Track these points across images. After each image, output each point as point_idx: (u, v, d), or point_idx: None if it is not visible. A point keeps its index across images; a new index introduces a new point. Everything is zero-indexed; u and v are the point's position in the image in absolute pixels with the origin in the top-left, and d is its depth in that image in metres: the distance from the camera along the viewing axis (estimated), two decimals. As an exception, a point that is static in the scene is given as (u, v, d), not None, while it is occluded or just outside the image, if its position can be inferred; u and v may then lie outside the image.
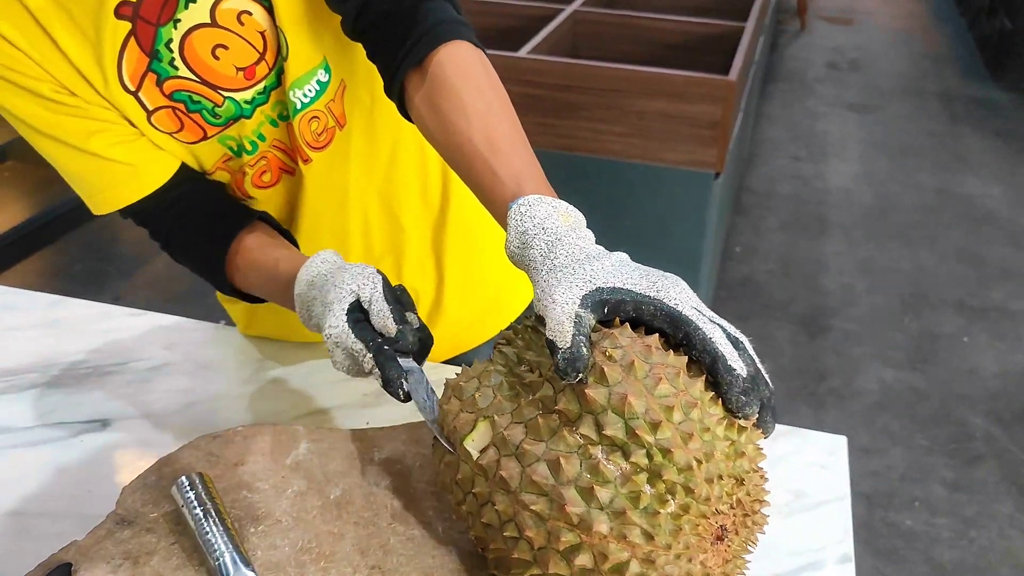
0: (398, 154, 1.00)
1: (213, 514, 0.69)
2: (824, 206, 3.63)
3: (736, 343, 0.59)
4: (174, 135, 0.87)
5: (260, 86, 0.86)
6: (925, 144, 4.18)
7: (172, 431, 0.92)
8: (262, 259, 0.89)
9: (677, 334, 0.59)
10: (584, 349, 0.58)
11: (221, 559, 0.66)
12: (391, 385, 0.70)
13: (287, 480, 0.76)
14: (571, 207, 0.68)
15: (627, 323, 0.61)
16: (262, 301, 0.93)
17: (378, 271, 0.75)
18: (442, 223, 1.06)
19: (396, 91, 0.79)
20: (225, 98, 0.85)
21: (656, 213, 2.34)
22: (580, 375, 0.58)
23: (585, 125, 2.31)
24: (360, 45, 0.85)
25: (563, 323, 0.58)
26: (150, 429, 0.93)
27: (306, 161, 0.92)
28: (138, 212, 0.91)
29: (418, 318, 0.75)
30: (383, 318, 0.71)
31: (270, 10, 0.83)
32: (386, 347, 0.71)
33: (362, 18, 0.80)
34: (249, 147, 0.89)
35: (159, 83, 0.83)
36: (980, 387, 2.62)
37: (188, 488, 0.71)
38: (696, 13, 2.85)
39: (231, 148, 0.90)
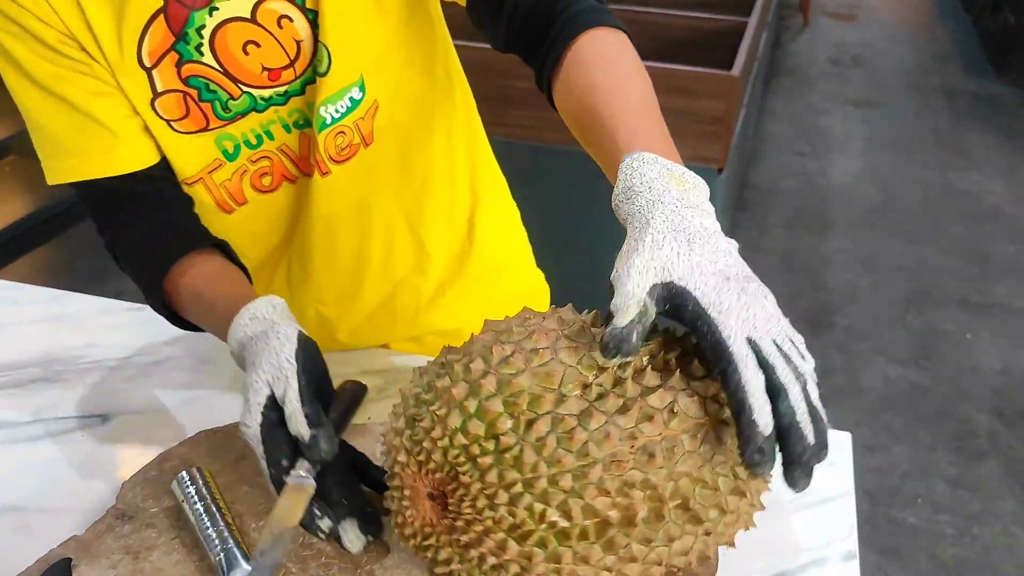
0: (431, 179, 1.00)
1: (214, 509, 0.69)
2: (827, 202, 3.62)
3: (777, 392, 0.54)
4: (173, 122, 0.85)
5: (282, 89, 0.85)
6: (928, 140, 4.17)
7: (173, 426, 0.91)
8: (207, 292, 0.84)
9: (715, 367, 0.55)
10: (635, 339, 0.55)
11: (222, 554, 0.66)
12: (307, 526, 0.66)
13: (288, 475, 0.75)
14: (693, 175, 0.63)
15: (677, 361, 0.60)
16: (196, 329, 0.89)
17: (300, 345, 0.69)
18: (467, 252, 1.07)
19: (544, 85, 0.80)
20: (243, 92, 0.84)
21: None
22: (618, 357, 0.56)
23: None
24: (398, 68, 0.88)
25: (629, 306, 0.55)
26: (151, 424, 0.92)
27: (325, 173, 0.91)
28: (96, 193, 0.87)
29: (335, 416, 0.70)
30: (296, 424, 0.65)
31: (313, 24, 0.82)
32: (291, 469, 0.66)
33: (511, 29, 0.81)
34: (254, 140, 0.88)
35: (178, 64, 0.81)
36: (983, 384, 2.62)
37: (189, 483, 0.71)
38: (699, 8, 2.84)
39: (225, 151, 0.88)
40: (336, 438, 0.66)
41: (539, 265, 1.21)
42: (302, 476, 0.64)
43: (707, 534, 0.59)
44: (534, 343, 0.59)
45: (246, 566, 0.66)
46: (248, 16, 0.80)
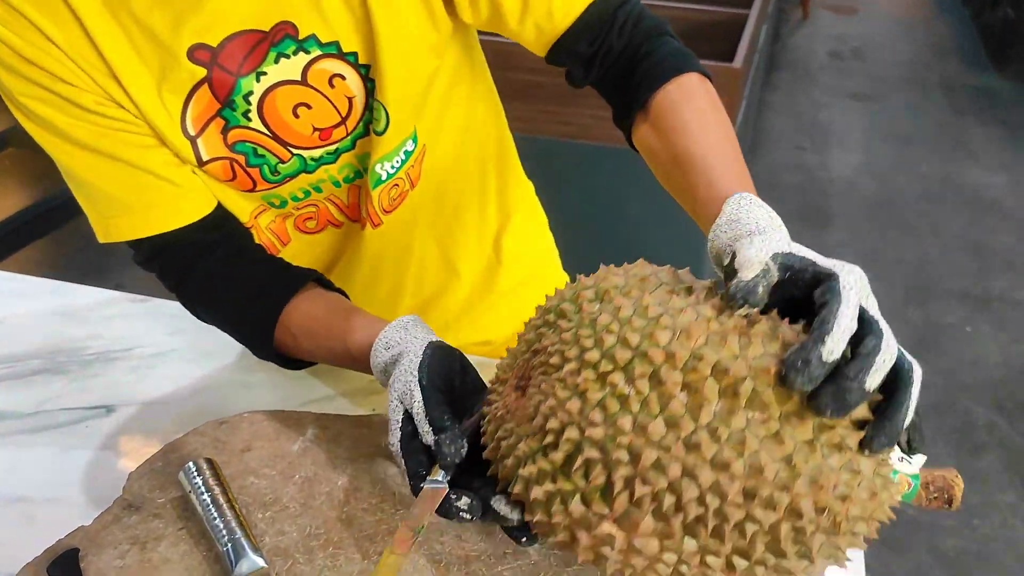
0: (463, 204, 1.00)
1: (221, 500, 0.69)
2: (828, 196, 3.62)
3: (869, 327, 0.51)
4: (221, 182, 0.82)
5: (332, 147, 0.83)
6: (928, 134, 4.17)
7: (177, 417, 0.91)
8: (322, 331, 0.82)
9: (819, 303, 0.53)
10: (761, 291, 0.54)
11: (229, 545, 0.66)
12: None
13: (294, 466, 0.76)
14: (780, 221, 0.65)
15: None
16: (308, 365, 0.88)
17: (426, 356, 0.68)
18: (495, 268, 1.07)
19: (628, 123, 0.83)
20: (293, 155, 0.81)
21: (660, 202, 2.32)
22: (746, 306, 0.54)
23: (588, 112, 2.30)
24: (441, 107, 0.86)
25: (752, 262, 0.55)
26: (155, 415, 0.92)
27: (377, 225, 0.90)
28: (166, 246, 0.82)
29: (464, 420, 0.67)
30: (423, 434, 0.65)
31: (365, 79, 0.79)
32: (427, 476, 0.64)
33: (600, 67, 0.82)
34: (301, 196, 0.86)
35: (224, 130, 0.78)
36: (983, 377, 2.62)
37: (196, 474, 0.71)
38: (700, 0, 2.83)
39: (272, 203, 0.86)
40: (461, 439, 0.63)
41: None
42: (436, 481, 0.63)
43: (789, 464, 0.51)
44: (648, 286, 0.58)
45: (253, 556, 0.66)
46: (299, 79, 0.77)
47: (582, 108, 2.29)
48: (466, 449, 0.63)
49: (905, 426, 0.52)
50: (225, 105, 0.77)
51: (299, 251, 0.93)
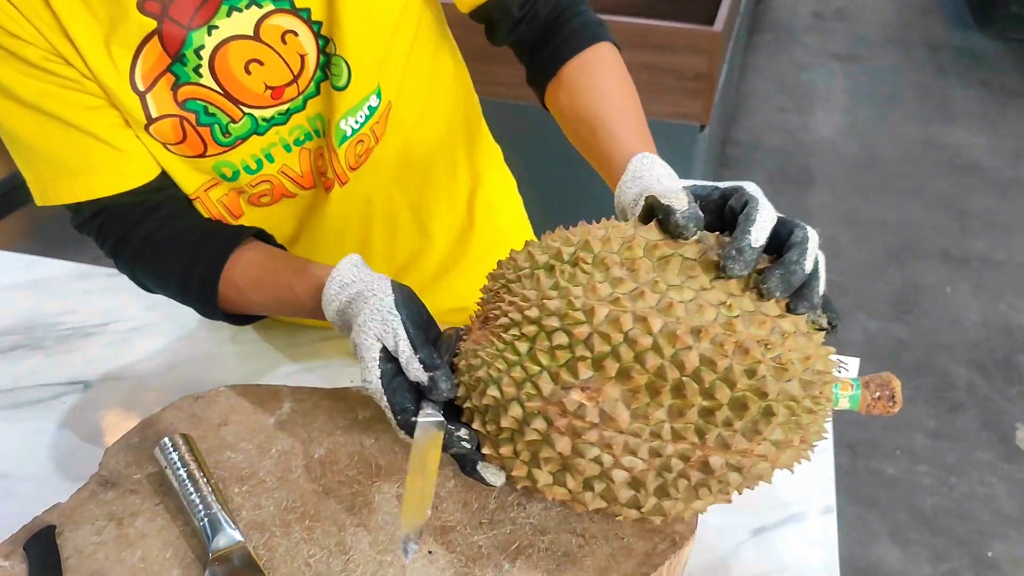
0: (433, 165, 0.99)
1: (197, 475, 0.69)
2: (810, 158, 3.62)
3: (792, 228, 0.60)
4: (170, 146, 0.81)
5: (284, 107, 0.82)
6: (911, 94, 4.16)
7: (155, 392, 0.91)
8: (268, 278, 0.81)
9: (738, 207, 0.61)
10: (699, 212, 0.61)
11: (206, 520, 0.66)
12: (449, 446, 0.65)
13: (271, 440, 0.76)
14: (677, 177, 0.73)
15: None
16: (252, 320, 0.87)
17: (397, 294, 0.68)
18: (468, 231, 1.07)
19: (540, 84, 0.90)
20: (245, 114, 0.80)
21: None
22: (696, 231, 0.61)
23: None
24: (404, 63, 0.87)
25: (679, 192, 0.62)
26: (132, 390, 0.92)
27: (344, 183, 0.90)
28: (106, 210, 0.82)
29: (445, 349, 0.69)
30: (414, 372, 0.65)
31: (318, 36, 0.79)
32: (416, 412, 0.65)
33: (517, 32, 0.89)
34: (254, 165, 0.85)
35: (174, 86, 0.77)
36: (962, 337, 2.65)
37: (172, 449, 0.71)
38: (681, -38, 2.80)
39: (223, 175, 0.85)
40: (454, 376, 0.65)
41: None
42: (429, 413, 0.64)
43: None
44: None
45: (230, 531, 0.66)
46: (251, 34, 0.76)
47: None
48: (458, 388, 0.65)
49: (819, 295, 0.62)
50: (175, 60, 0.76)
51: (252, 222, 0.90)
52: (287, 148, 0.85)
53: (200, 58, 0.76)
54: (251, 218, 0.91)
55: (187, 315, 1.04)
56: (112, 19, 0.73)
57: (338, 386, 0.83)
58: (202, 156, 0.82)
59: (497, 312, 0.63)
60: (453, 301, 1.06)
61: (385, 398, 0.65)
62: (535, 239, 0.67)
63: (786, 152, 3.66)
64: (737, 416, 0.56)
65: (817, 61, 4.49)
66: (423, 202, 1.01)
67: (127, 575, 0.64)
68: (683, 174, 0.73)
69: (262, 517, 0.69)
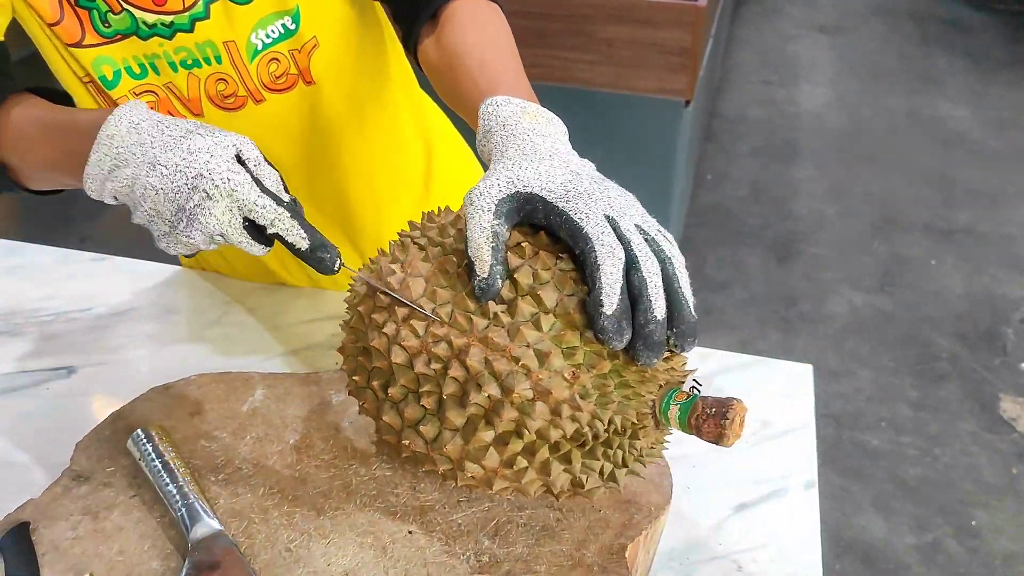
0: (384, 131, 0.99)
1: (172, 465, 0.68)
2: (795, 131, 3.61)
3: (631, 262, 0.55)
4: (49, 28, 0.78)
5: (168, 19, 0.80)
6: (896, 66, 4.15)
7: (139, 377, 0.90)
8: (46, 116, 0.71)
9: (576, 249, 0.57)
10: (499, 281, 0.58)
11: (183, 510, 0.66)
12: (325, 249, 0.61)
13: (245, 427, 0.75)
14: (544, 111, 0.67)
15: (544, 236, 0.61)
16: (50, 194, 0.79)
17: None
18: (424, 200, 1.07)
19: (412, 43, 0.84)
20: (124, 8, 0.79)
21: (626, 142, 2.30)
22: (496, 294, 0.59)
23: (553, 53, 2.26)
24: (338, 8, 0.86)
25: (481, 246, 0.58)
26: (117, 375, 0.91)
27: (259, 101, 0.88)
28: None
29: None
30: (275, 181, 0.61)
31: None
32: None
33: None
34: (137, 69, 0.83)
35: None
36: (946, 308, 2.66)
37: (145, 440, 0.70)
38: (664, -67, 2.77)
39: (104, 77, 0.82)
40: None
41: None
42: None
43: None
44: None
45: (208, 520, 0.65)
46: None
47: (548, 49, 2.25)
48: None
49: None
50: None
51: None
52: (172, 67, 0.84)
53: None
54: None
55: (171, 298, 1.03)
56: None
57: (323, 369, 0.82)
58: (79, 45, 0.80)
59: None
60: None
61: (258, 191, 0.60)
62: None
63: (771, 125, 3.65)
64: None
65: (802, 33, 4.47)
66: (372, 167, 1.01)
67: (106, 569, 0.63)
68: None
69: (240, 505, 0.68)
